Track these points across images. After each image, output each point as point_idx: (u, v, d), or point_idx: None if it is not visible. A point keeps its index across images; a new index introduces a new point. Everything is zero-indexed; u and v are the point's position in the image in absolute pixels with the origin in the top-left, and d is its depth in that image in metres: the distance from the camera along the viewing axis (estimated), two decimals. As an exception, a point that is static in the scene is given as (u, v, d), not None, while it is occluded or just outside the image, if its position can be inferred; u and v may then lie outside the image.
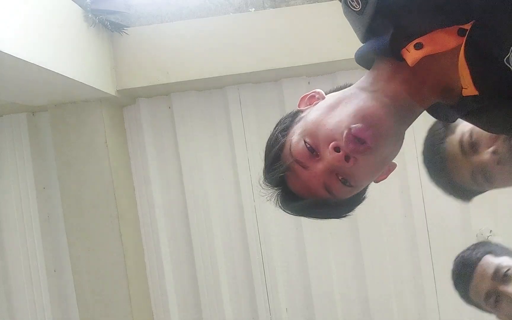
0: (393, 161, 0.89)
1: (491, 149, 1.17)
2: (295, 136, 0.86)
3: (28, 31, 1.92)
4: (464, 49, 0.75)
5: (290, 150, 0.86)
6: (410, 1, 0.78)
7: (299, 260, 2.95)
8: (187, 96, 2.92)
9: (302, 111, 0.92)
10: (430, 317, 2.88)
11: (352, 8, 0.83)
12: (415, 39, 0.78)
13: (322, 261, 2.94)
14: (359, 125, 0.79)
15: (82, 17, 2.37)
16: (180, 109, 2.93)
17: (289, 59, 2.68)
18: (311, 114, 0.87)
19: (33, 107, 2.85)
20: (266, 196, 0.91)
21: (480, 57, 0.75)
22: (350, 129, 0.79)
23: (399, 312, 2.92)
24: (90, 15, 2.40)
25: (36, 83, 2.25)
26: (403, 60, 0.80)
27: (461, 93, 0.79)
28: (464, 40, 0.75)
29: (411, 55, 0.78)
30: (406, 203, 2.91)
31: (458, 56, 0.76)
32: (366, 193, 0.94)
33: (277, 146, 0.88)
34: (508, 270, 1.38)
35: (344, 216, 0.93)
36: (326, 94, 0.92)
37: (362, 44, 0.89)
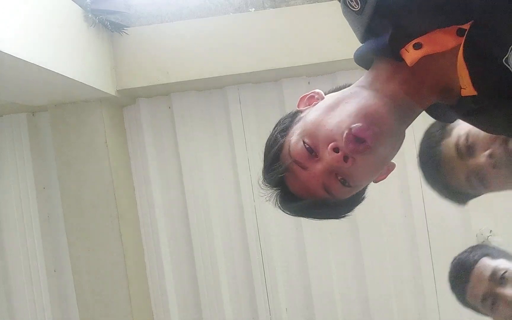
0: (392, 161, 0.89)
1: (487, 152, 1.16)
2: (294, 137, 0.86)
3: (28, 31, 1.92)
4: (463, 49, 0.75)
5: (289, 150, 0.86)
6: (410, 1, 0.78)
7: (299, 260, 2.95)
8: (187, 96, 2.92)
9: (301, 112, 0.91)
10: (430, 317, 2.88)
11: (351, 8, 0.83)
12: (414, 39, 0.78)
13: (322, 261, 2.94)
14: (359, 124, 0.79)
15: (82, 17, 2.37)
16: (180, 109, 2.93)
17: (289, 59, 2.68)
18: (310, 115, 0.87)
19: (33, 107, 2.85)
20: (265, 196, 0.91)
21: (479, 57, 0.75)
22: (350, 129, 0.79)
23: (399, 312, 2.92)
24: (90, 15, 2.40)
25: (36, 83, 2.25)
26: (402, 60, 0.80)
27: (460, 94, 0.79)
28: (463, 40, 0.75)
29: (410, 55, 0.78)
30: (406, 203, 2.90)
31: (457, 56, 0.76)
32: (365, 193, 0.94)
33: (276, 147, 0.88)
34: (505, 272, 1.38)
35: (343, 217, 0.93)
36: (325, 94, 0.92)
37: (361, 44, 0.89)
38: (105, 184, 2.66)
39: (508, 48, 0.71)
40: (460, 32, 0.75)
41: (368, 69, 0.89)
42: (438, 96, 0.84)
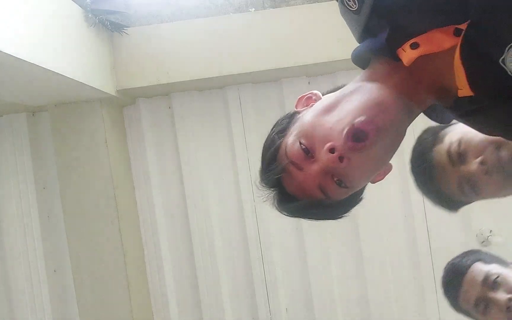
0: (389, 162, 0.89)
1: (478, 159, 1.16)
2: (291, 137, 0.86)
3: (28, 31, 1.92)
4: (460, 49, 0.75)
5: (285, 151, 0.86)
6: (408, 1, 0.77)
7: (299, 260, 2.95)
8: (187, 96, 2.92)
9: (299, 113, 0.91)
10: (430, 317, 2.88)
11: (349, 8, 0.83)
12: (411, 38, 0.78)
13: (322, 261, 2.94)
14: (362, 117, 0.78)
15: (82, 17, 2.37)
16: (180, 109, 2.93)
17: (289, 59, 2.68)
18: (307, 115, 0.87)
19: (33, 107, 2.85)
20: (263, 197, 0.91)
21: (476, 58, 0.75)
22: (353, 124, 0.78)
23: (399, 312, 2.92)
24: (90, 15, 2.40)
25: (36, 83, 2.26)
26: (399, 60, 0.80)
27: (457, 94, 0.79)
28: (460, 40, 0.75)
29: (407, 54, 0.78)
30: (406, 203, 2.90)
31: (454, 57, 0.76)
32: (363, 194, 0.93)
33: (273, 147, 0.88)
34: (497, 277, 1.39)
35: (341, 217, 0.93)
36: (323, 95, 0.92)
37: (358, 44, 0.89)
38: (105, 184, 2.66)
39: (505, 49, 0.71)
40: (457, 32, 0.75)
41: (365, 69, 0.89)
42: (435, 97, 0.84)
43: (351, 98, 0.83)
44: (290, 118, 0.91)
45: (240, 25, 2.68)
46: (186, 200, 2.93)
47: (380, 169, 0.88)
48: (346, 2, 0.82)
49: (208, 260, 2.93)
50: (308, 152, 0.83)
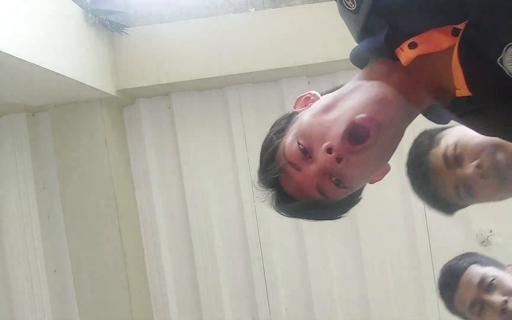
0: (388, 163, 0.88)
1: (475, 162, 1.16)
2: (289, 138, 0.86)
3: (28, 31, 1.92)
4: (458, 49, 0.75)
5: (283, 151, 0.86)
6: (407, 0, 0.77)
7: (299, 260, 2.95)
8: (187, 96, 2.92)
9: (297, 113, 0.91)
10: (430, 317, 2.88)
11: (347, 7, 0.83)
12: (409, 38, 0.78)
13: (322, 261, 2.93)
14: (363, 115, 0.78)
15: (82, 17, 2.37)
16: (180, 109, 2.93)
17: (289, 59, 2.68)
18: (305, 116, 0.87)
19: (33, 107, 2.85)
20: (261, 197, 0.91)
21: (474, 58, 0.74)
22: (353, 122, 0.78)
23: (399, 312, 2.92)
24: (90, 15, 2.40)
25: (36, 83, 2.26)
26: (397, 59, 0.80)
27: (455, 94, 0.78)
28: (458, 40, 0.74)
29: (405, 54, 0.78)
30: (406, 203, 2.90)
31: (452, 56, 0.76)
32: (361, 195, 0.93)
33: (272, 148, 0.88)
34: (493, 279, 1.39)
35: (339, 217, 0.92)
36: (321, 95, 0.92)
37: (357, 44, 0.89)
38: (105, 184, 2.66)
39: (503, 49, 0.71)
40: (455, 32, 0.75)
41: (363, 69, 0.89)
42: (433, 97, 0.84)
43: (350, 97, 0.83)
44: (289, 118, 0.91)
45: (240, 25, 2.68)
46: (186, 200, 2.93)
47: (379, 170, 0.88)
48: (345, 1, 0.82)
49: (208, 260, 2.93)
50: (306, 152, 0.83)
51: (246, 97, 2.93)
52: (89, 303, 2.67)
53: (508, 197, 1.21)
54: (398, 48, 0.79)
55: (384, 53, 0.82)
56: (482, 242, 2.87)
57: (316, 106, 0.87)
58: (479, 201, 1.25)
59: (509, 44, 0.70)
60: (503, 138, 0.86)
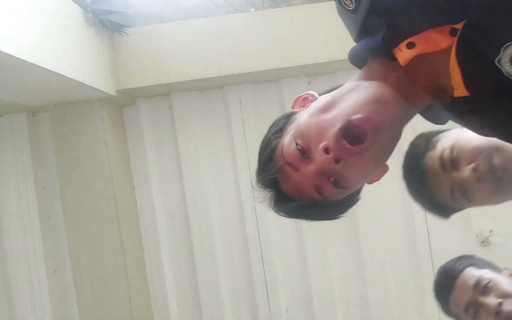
0: (386, 163, 0.88)
1: (471, 166, 1.16)
2: (287, 138, 0.86)
3: (28, 31, 1.92)
4: (456, 49, 0.75)
5: (282, 152, 0.86)
6: (407, 0, 0.77)
7: (299, 260, 2.95)
8: (187, 96, 2.92)
9: (295, 113, 0.91)
10: (430, 317, 2.88)
11: (346, 7, 0.83)
12: (407, 38, 0.77)
13: (322, 261, 2.93)
14: (359, 115, 0.78)
15: (82, 17, 2.37)
16: (180, 109, 2.93)
17: (289, 59, 2.68)
18: (303, 116, 0.87)
19: (33, 107, 2.85)
20: (259, 197, 0.91)
21: (471, 58, 0.74)
22: (349, 121, 0.78)
23: (399, 312, 2.92)
24: (90, 15, 2.40)
25: (36, 83, 2.26)
26: (395, 59, 0.80)
27: (453, 94, 0.78)
28: (456, 40, 0.74)
29: (403, 54, 0.78)
30: (406, 203, 2.90)
31: (449, 56, 0.76)
32: (360, 195, 0.93)
33: (270, 148, 0.88)
34: (489, 282, 1.40)
35: (337, 218, 0.92)
36: (319, 95, 0.92)
37: (355, 44, 0.89)
38: (105, 184, 2.66)
39: (501, 49, 0.71)
40: (453, 32, 0.75)
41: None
42: (431, 97, 0.83)
43: (348, 96, 0.82)
44: (287, 118, 0.91)
45: (240, 25, 2.68)
46: (186, 200, 2.93)
47: (377, 170, 0.88)
48: (343, 1, 0.82)
49: (208, 260, 2.93)
50: (304, 153, 0.83)
51: (246, 97, 2.93)
52: (89, 303, 2.67)
53: (504, 200, 1.21)
54: (396, 48, 0.79)
55: (382, 53, 0.81)
56: (482, 242, 2.87)
57: (314, 106, 0.87)
58: (475, 205, 1.25)
59: (507, 44, 0.70)
60: (501, 139, 0.86)
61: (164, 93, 2.92)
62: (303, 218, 0.93)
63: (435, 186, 1.23)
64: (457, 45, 0.74)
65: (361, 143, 0.78)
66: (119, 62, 2.67)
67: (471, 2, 0.72)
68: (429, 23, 0.76)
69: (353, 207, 0.93)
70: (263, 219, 2.91)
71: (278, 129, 0.90)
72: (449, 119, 0.88)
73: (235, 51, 2.67)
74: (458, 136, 1.21)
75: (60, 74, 2.11)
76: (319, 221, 0.96)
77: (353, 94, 0.82)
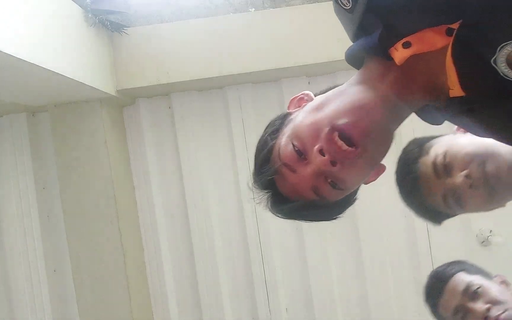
0: (382, 163, 0.88)
1: (464, 172, 1.15)
2: (284, 139, 0.86)
3: (28, 31, 1.92)
4: (451, 49, 0.75)
5: (278, 153, 0.86)
6: (407, 0, 0.77)
7: (299, 260, 2.95)
8: (187, 96, 2.92)
9: (291, 114, 0.91)
10: (430, 318, 2.87)
11: (343, 6, 0.83)
12: (403, 38, 0.78)
13: (322, 261, 2.93)
14: (345, 120, 0.78)
15: (82, 17, 2.37)
16: (180, 109, 2.93)
17: (289, 59, 2.68)
18: (299, 116, 0.87)
19: (33, 107, 2.85)
20: (257, 199, 0.91)
21: (467, 58, 0.74)
22: (333, 126, 0.78)
23: (399, 312, 2.92)
24: (90, 15, 2.40)
25: (36, 83, 2.26)
26: (391, 59, 0.80)
27: (448, 94, 0.78)
28: (452, 40, 0.74)
29: (399, 53, 0.78)
30: (406, 203, 2.90)
31: (445, 56, 0.76)
32: (356, 195, 0.93)
33: (266, 149, 0.88)
34: (478, 288, 1.40)
35: (335, 218, 0.92)
36: (315, 95, 0.92)
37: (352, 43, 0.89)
38: (105, 184, 2.66)
39: (497, 49, 0.70)
40: (449, 32, 0.75)
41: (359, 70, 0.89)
42: (427, 97, 0.83)
43: (338, 99, 0.83)
44: (283, 119, 0.92)
45: (240, 25, 2.68)
46: (186, 200, 2.93)
47: (373, 170, 0.88)
48: (340, 0, 0.82)
49: (208, 260, 2.92)
50: (301, 154, 0.83)
51: (246, 97, 2.93)
52: (89, 303, 2.67)
53: (496, 207, 1.20)
54: (392, 48, 0.79)
55: (378, 53, 0.82)
56: (482, 242, 2.87)
57: (309, 106, 0.87)
58: (467, 211, 1.25)
59: (503, 44, 0.70)
60: (496, 139, 0.86)
61: (164, 93, 2.92)
62: (300, 219, 0.93)
63: (428, 192, 1.23)
64: (453, 45, 0.74)
65: (353, 146, 0.78)
66: (119, 62, 2.67)
67: (471, 2, 0.72)
68: (426, 22, 0.76)
69: (352, 207, 0.93)
70: (263, 219, 2.91)
71: (274, 130, 0.90)
72: (445, 120, 0.88)
73: (235, 51, 2.67)
74: (451, 142, 1.21)
75: (60, 74, 2.11)
76: (315, 222, 0.96)
77: (341, 97, 0.83)
